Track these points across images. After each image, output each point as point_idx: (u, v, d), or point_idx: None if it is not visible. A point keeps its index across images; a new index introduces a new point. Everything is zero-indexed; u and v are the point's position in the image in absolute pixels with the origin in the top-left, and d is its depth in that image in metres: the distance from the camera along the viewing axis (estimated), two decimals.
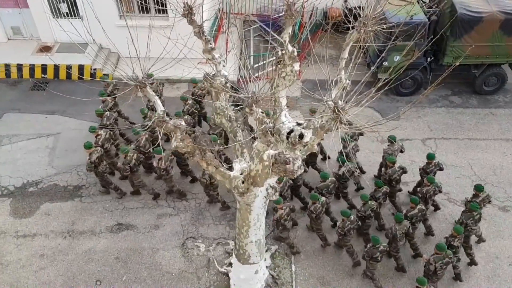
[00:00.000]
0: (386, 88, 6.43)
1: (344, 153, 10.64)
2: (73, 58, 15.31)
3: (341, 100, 5.91)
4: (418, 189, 10.88)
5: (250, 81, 6.88)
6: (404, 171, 10.89)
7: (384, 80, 5.98)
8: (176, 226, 11.22)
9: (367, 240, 10.39)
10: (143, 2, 14.77)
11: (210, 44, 7.90)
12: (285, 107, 7.54)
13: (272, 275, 10.11)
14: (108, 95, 12.79)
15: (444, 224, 11.29)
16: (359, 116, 6.10)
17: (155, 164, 11.14)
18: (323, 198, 10.13)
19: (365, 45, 7.42)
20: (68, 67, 15.18)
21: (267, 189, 8.03)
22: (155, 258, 10.56)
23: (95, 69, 15.38)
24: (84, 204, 11.67)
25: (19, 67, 15.42)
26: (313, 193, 10.36)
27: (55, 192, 11.91)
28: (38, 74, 15.47)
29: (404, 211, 10.11)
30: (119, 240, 10.90)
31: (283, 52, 7.36)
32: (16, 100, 14.77)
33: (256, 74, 14.01)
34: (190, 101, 12.74)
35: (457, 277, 10.08)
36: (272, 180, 7.98)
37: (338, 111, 5.79)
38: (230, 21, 16.05)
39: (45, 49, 15.85)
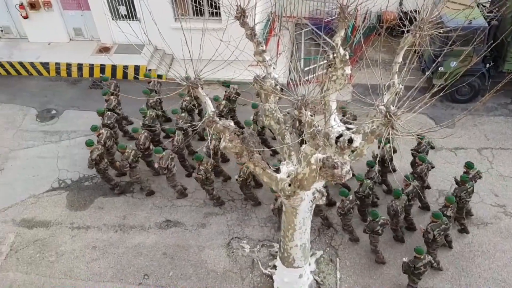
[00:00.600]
0: (441, 95, 6.22)
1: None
2: (130, 58, 15.90)
3: (393, 106, 5.79)
4: (413, 169, 11.19)
5: (300, 84, 6.87)
6: (432, 166, 11.14)
7: (439, 86, 5.79)
8: (222, 225, 11.37)
9: (366, 218, 10.94)
10: (198, 5, 15.11)
11: (261, 46, 7.96)
12: (335, 110, 7.47)
13: (316, 280, 10.02)
14: (112, 94, 13.24)
15: (499, 238, 10.77)
16: (412, 123, 5.95)
17: (156, 165, 11.42)
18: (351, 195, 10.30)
19: (420, 50, 7.22)
20: (125, 67, 15.78)
21: (313, 193, 7.98)
22: (201, 256, 10.74)
23: (149, 70, 15.87)
24: (135, 200, 12.07)
25: (80, 67, 16.20)
26: (342, 189, 10.43)
27: (108, 187, 12.38)
28: (97, 73, 16.18)
29: (400, 189, 10.32)
30: (167, 236, 11.18)
31: (335, 55, 7.29)
32: (76, 98, 15.51)
33: (306, 77, 13.95)
34: (187, 98, 12.78)
35: (449, 245, 10.54)
36: (319, 184, 7.91)
37: (390, 116, 5.66)
38: (281, 24, 16.08)
39: (104, 49, 16.56)
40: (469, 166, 10.56)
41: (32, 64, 16.32)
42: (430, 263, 9.18)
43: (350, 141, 6.40)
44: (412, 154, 11.38)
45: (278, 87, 7.93)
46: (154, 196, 12.12)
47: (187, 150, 12.76)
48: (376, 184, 11.42)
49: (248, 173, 10.93)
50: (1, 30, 17.41)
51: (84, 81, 16.18)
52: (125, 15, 15.95)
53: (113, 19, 16.12)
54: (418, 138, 10.88)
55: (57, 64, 16.24)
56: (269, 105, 8.11)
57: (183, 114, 12.47)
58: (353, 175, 9.60)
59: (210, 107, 7.18)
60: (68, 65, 16.23)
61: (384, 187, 11.94)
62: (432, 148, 11.54)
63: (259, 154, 7.31)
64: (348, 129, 6.74)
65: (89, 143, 11.49)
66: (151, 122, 12.44)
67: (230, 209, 11.74)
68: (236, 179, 11.10)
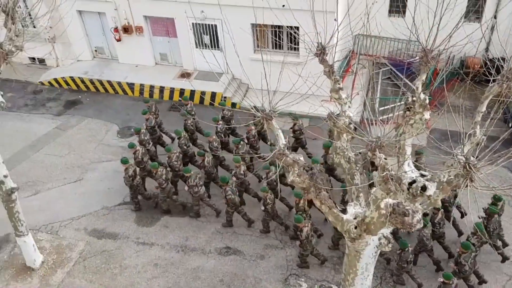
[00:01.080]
0: None
1: None
2: (208, 85, 16.57)
3: (473, 156, 5.49)
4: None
5: (374, 124, 6.75)
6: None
7: None
8: (281, 259, 11.23)
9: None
10: (277, 39, 15.49)
11: (339, 84, 7.95)
12: (410, 155, 7.22)
13: None
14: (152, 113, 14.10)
15: None
16: (491, 176, 5.60)
17: (186, 188, 11.93)
18: None
19: (507, 101, 6.85)
20: (203, 93, 16.43)
21: (379, 239, 7.67)
22: None
23: (225, 97, 16.39)
24: (199, 223, 12.30)
25: (161, 89, 17.10)
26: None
27: (175, 206, 12.75)
28: (176, 97, 16.98)
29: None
30: (226, 263, 11.23)
31: (414, 99, 7.10)
32: None
33: (381, 118, 13.67)
34: (190, 120, 13.41)
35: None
36: (387, 230, 7.61)
37: (469, 167, 5.37)
38: (359, 62, 16.00)
39: (186, 75, 17.40)
40: (496, 199, 10.70)
41: (119, 83, 17.49)
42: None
43: (424, 188, 6.13)
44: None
45: (352, 125, 7.83)
46: (216, 221, 12.28)
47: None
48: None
49: (273, 200, 11.08)
50: (96, 50, 18.89)
51: (164, 103, 17.01)
52: (208, 44, 16.70)
53: (196, 47, 16.96)
54: (495, 197, 10.69)
55: (142, 85, 17.27)
56: (341, 143, 8.02)
57: (184, 134, 13.19)
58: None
59: (281, 140, 7.22)
60: (152, 87, 17.19)
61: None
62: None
63: (327, 192, 7.20)
64: (423, 176, 6.47)
65: (123, 161, 12.12)
66: (186, 142, 13.09)
67: (291, 244, 11.59)
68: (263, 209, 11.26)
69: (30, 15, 16.47)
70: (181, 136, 13.16)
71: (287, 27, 13.85)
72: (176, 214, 12.55)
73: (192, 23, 16.37)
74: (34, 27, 17.49)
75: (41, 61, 19.03)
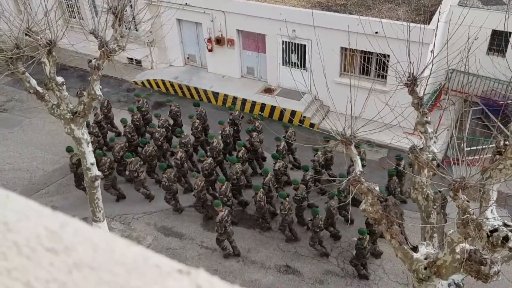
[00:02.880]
0: None
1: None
2: (289, 103, 16.73)
3: None
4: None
5: (459, 164, 6.45)
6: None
7: None
8: None
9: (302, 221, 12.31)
10: (366, 65, 15.32)
11: (426, 117, 7.71)
12: (494, 202, 6.80)
13: None
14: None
15: None
16: None
17: (127, 172, 13.00)
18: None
19: None
20: (283, 110, 16.60)
21: (449, 285, 7.27)
22: None
23: (304, 117, 16.45)
24: (262, 237, 12.37)
25: (244, 102, 17.54)
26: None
27: (241, 217, 12.95)
28: (256, 110, 17.33)
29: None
30: (284, 281, 11.17)
31: (507, 143, 6.70)
32: None
33: (468, 159, 12.96)
34: (136, 116, 14.64)
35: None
36: (458, 277, 7.20)
37: None
38: (450, 98, 15.33)
39: (268, 91, 17.72)
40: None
41: (205, 91, 18.21)
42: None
43: (506, 239, 5.74)
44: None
45: (435, 162, 7.54)
46: (280, 237, 12.28)
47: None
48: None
49: (288, 208, 11.51)
50: (188, 58, 19.86)
51: (245, 115, 17.40)
52: (295, 63, 16.91)
53: (283, 65, 17.24)
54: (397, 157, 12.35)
55: (226, 95, 17.85)
56: (420, 178, 7.73)
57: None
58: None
59: (358, 167, 7.13)
60: (234, 98, 17.70)
61: None
62: None
63: (399, 226, 6.96)
64: (506, 225, 6.06)
65: (68, 149, 13.06)
66: (131, 131, 14.29)
67: (352, 274, 11.28)
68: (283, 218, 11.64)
69: (134, 19, 17.73)
70: (126, 124, 14.32)
71: (378, 53, 13.69)
72: (241, 224, 12.73)
73: (282, 41, 16.69)
74: (136, 30, 18.79)
75: (138, 62, 20.36)
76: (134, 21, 17.91)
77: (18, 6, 20.87)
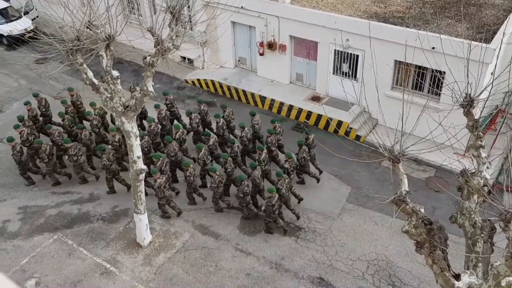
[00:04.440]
0: None
1: None
2: (336, 113, 16.52)
3: None
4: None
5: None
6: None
7: None
8: None
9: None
10: (420, 80, 14.88)
11: (481, 141, 7.37)
12: None
13: None
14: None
15: None
16: None
17: (66, 157, 14.05)
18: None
19: None
20: (329, 119, 16.41)
21: None
22: None
23: (351, 128, 16.18)
24: (298, 246, 12.25)
25: (290, 108, 17.48)
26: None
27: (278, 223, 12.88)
28: (302, 118, 17.22)
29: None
30: None
31: None
32: None
33: None
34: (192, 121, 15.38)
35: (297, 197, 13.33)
36: None
37: None
38: (506, 122, 14.64)
39: (316, 99, 17.57)
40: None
41: (253, 94, 18.29)
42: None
43: None
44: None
45: (486, 188, 7.19)
46: (315, 248, 12.11)
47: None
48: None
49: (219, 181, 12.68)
50: (239, 60, 20.02)
51: (289, 121, 17.35)
52: (346, 73, 16.68)
53: (333, 74, 17.05)
54: (306, 132, 14.43)
55: (273, 100, 17.85)
56: (469, 204, 7.40)
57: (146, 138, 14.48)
58: None
59: (405, 186, 6.91)
60: (281, 104, 17.66)
61: None
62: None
63: (442, 252, 6.68)
64: None
65: (9, 139, 13.80)
66: (97, 124, 15.25)
67: None
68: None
69: (190, 19, 18.07)
70: (63, 117, 15.22)
71: (433, 70, 13.27)
72: (277, 231, 12.65)
73: (335, 50, 16.50)
74: (192, 30, 19.16)
75: (190, 61, 20.73)
76: (190, 22, 18.25)
77: None
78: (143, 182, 11.51)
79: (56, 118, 16.17)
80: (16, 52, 21.98)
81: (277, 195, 11.94)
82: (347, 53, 16.24)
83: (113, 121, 15.52)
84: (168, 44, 9.73)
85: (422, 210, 6.71)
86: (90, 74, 10.30)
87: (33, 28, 21.91)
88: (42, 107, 16.09)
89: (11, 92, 19.31)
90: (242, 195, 12.45)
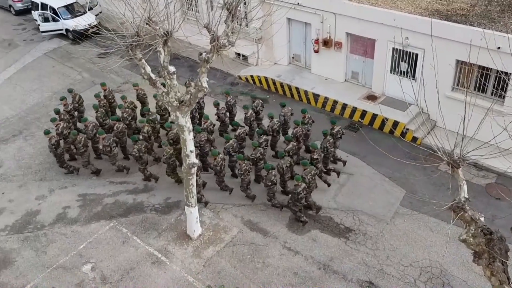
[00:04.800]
0: None
1: None
2: (392, 112, 16.04)
3: None
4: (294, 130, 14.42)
5: None
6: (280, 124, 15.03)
7: None
8: None
9: (260, 178, 13.93)
10: (484, 81, 14.12)
11: None
12: None
13: None
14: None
15: None
16: None
17: (100, 146, 14.43)
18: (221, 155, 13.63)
19: None
20: (385, 119, 15.95)
21: None
22: None
23: (407, 129, 15.65)
24: (347, 248, 12.03)
25: (344, 106, 17.16)
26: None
27: (328, 224, 12.72)
28: (356, 117, 16.86)
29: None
30: None
31: None
32: None
33: None
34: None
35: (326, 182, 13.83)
36: None
37: None
38: None
39: (371, 98, 17.14)
40: (332, 122, 14.37)
41: (306, 92, 18.13)
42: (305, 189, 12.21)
43: None
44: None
45: None
46: (366, 251, 11.84)
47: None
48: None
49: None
50: (293, 57, 19.90)
51: (343, 120, 17.04)
52: (404, 72, 16.14)
53: (391, 72, 16.55)
54: (332, 121, 14.74)
55: (326, 98, 17.60)
56: None
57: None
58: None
59: (464, 193, 6.58)
60: (335, 102, 17.38)
61: None
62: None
63: (502, 264, 6.31)
64: None
65: (46, 132, 14.50)
66: (102, 116, 15.82)
67: None
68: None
69: (246, 16, 18.17)
70: (97, 110, 15.75)
71: (498, 70, 12.55)
72: (327, 231, 12.49)
73: (392, 48, 16.01)
74: (247, 26, 19.25)
75: (244, 58, 20.85)
76: (246, 18, 18.34)
77: None
78: (195, 176, 11.72)
79: (88, 114, 16.85)
80: (80, 46, 23.06)
81: (303, 184, 12.15)
82: (406, 51, 15.70)
83: (142, 114, 16.01)
84: (223, 40, 9.81)
85: (482, 218, 6.37)
86: (148, 69, 10.59)
87: (96, 24, 22.86)
88: (76, 102, 16.77)
89: (75, 85, 20.27)
90: (269, 184, 12.71)
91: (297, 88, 18.42)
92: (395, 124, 15.86)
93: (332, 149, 13.93)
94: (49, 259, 12.17)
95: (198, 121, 16.22)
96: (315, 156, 13.32)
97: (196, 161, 11.55)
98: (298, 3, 17.30)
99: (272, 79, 19.11)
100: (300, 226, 12.74)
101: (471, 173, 13.77)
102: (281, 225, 12.85)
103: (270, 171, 12.72)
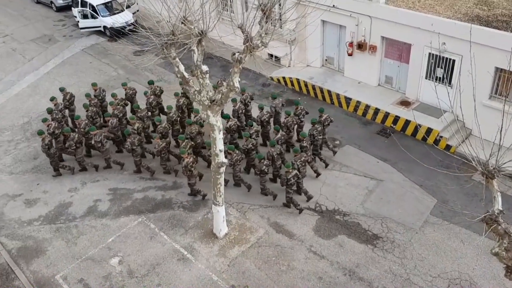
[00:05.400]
0: None
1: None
2: (426, 119, 15.70)
3: None
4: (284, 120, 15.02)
5: None
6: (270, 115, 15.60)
7: None
8: None
9: (253, 166, 14.33)
10: None
11: None
12: None
13: None
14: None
15: None
16: None
17: (93, 141, 14.76)
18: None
19: None
20: (418, 126, 15.63)
21: None
22: None
23: (441, 137, 15.28)
24: (374, 255, 11.84)
25: (376, 111, 16.90)
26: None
27: (355, 229, 12.56)
28: (389, 122, 16.58)
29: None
30: None
31: None
32: (361, 138, 16.27)
33: None
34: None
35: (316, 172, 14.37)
36: None
37: None
38: None
39: (405, 103, 16.83)
40: (320, 110, 14.88)
41: (338, 95, 17.96)
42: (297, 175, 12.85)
43: None
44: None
45: None
46: (392, 259, 11.62)
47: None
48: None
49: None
50: (326, 60, 19.75)
51: (374, 125, 16.80)
52: (440, 78, 15.77)
53: (426, 78, 16.21)
54: (320, 109, 15.19)
55: (358, 102, 17.38)
56: None
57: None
58: None
59: (498, 204, 6.36)
60: (367, 107, 17.14)
61: None
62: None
63: None
64: None
65: (39, 133, 14.68)
66: (92, 115, 16.17)
67: None
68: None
69: (281, 17, 18.15)
70: (88, 108, 16.12)
71: None
72: (354, 237, 12.34)
73: (429, 53, 15.66)
74: (281, 28, 19.23)
75: (277, 59, 20.84)
76: (280, 20, 18.32)
77: None
78: (223, 175, 11.79)
79: (79, 112, 16.99)
80: (116, 44, 23.59)
81: (294, 171, 12.76)
82: (443, 57, 15.33)
83: (133, 111, 16.41)
84: (257, 41, 9.83)
85: None
86: (182, 67, 10.73)
87: (133, 22, 23.33)
88: (66, 101, 17.06)
89: (110, 81, 20.75)
90: (259, 173, 13.28)
91: (329, 91, 18.27)
92: (429, 131, 15.51)
93: (320, 137, 14.52)
94: (78, 251, 12.49)
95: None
96: (304, 144, 13.85)
97: (225, 160, 11.62)
98: (334, 6, 17.16)
99: (304, 81, 19.02)
100: (327, 231, 12.63)
101: (506, 184, 13.31)
102: (308, 228, 12.77)
103: (262, 161, 13.21)
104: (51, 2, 28.95)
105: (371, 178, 14.35)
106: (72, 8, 25.95)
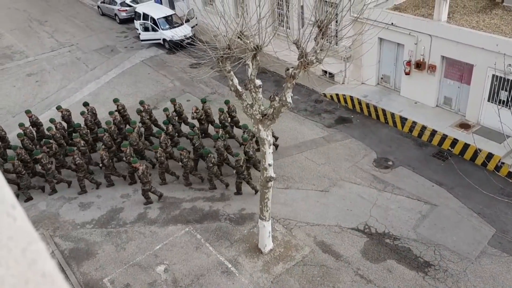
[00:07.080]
0: None
1: None
2: (487, 144, 14.93)
3: None
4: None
5: None
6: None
7: None
8: None
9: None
10: None
11: None
12: None
13: None
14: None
15: None
16: None
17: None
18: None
19: None
20: (478, 150, 14.86)
21: None
22: None
23: (503, 163, 14.44)
24: (425, 283, 11.28)
25: (433, 133, 16.27)
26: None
27: (406, 255, 12.04)
28: (446, 145, 15.89)
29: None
30: None
31: None
32: (415, 159, 15.69)
33: None
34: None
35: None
36: None
37: None
38: None
39: (464, 126, 16.09)
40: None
41: (392, 114, 17.47)
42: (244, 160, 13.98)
43: None
44: None
45: None
46: None
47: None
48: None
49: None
50: (381, 78, 19.32)
51: (430, 147, 16.16)
52: (504, 101, 14.97)
53: (488, 101, 15.44)
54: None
55: (414, 123, 16.81)
56: None
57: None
58: None
59: None
60: (423, 128, 16.54)
61: None
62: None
63: None
64: None
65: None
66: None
67: None
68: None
69: (337, 34, 17.99)
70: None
71: None
72: (404, 263, 11.82)
73: (492, 75, 14.93)
74: (336, 44, 19.06)
75: (331, 75, 20.64)
76: (336, 36, 18.17)
77: (237, 10, 23.20)
78: (271, 190, 11.71)
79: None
80: (174, 56, 24.30)
81: (243, 157, 13.94)
82: (508, 79, 14.56)
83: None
84: (311, 57, 9.76)
85: None
86: (236, 81, 10.83)
87: (192, 35, 23.97)
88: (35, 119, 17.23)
89: (166, 92, 21.35)
90: (211, 165, 14.30)
91: (383, 110, 17.82)
92: (489, 156, 14.70)
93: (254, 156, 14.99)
94: (127, 256, 12.78)
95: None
96: (245, 135, 15.00)
97: (274, 175, 11.54)
98: (392, 23, 16.82)
99: (358, 98, 18.68)
100: (375, 254, 12.19)
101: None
102: (356, 250, 12.39)
103: (209, 155, 14.28)
104: (115, 15, 30.38)
105: (425, 202, 13.76)
106: (135, 21, 27.08)
